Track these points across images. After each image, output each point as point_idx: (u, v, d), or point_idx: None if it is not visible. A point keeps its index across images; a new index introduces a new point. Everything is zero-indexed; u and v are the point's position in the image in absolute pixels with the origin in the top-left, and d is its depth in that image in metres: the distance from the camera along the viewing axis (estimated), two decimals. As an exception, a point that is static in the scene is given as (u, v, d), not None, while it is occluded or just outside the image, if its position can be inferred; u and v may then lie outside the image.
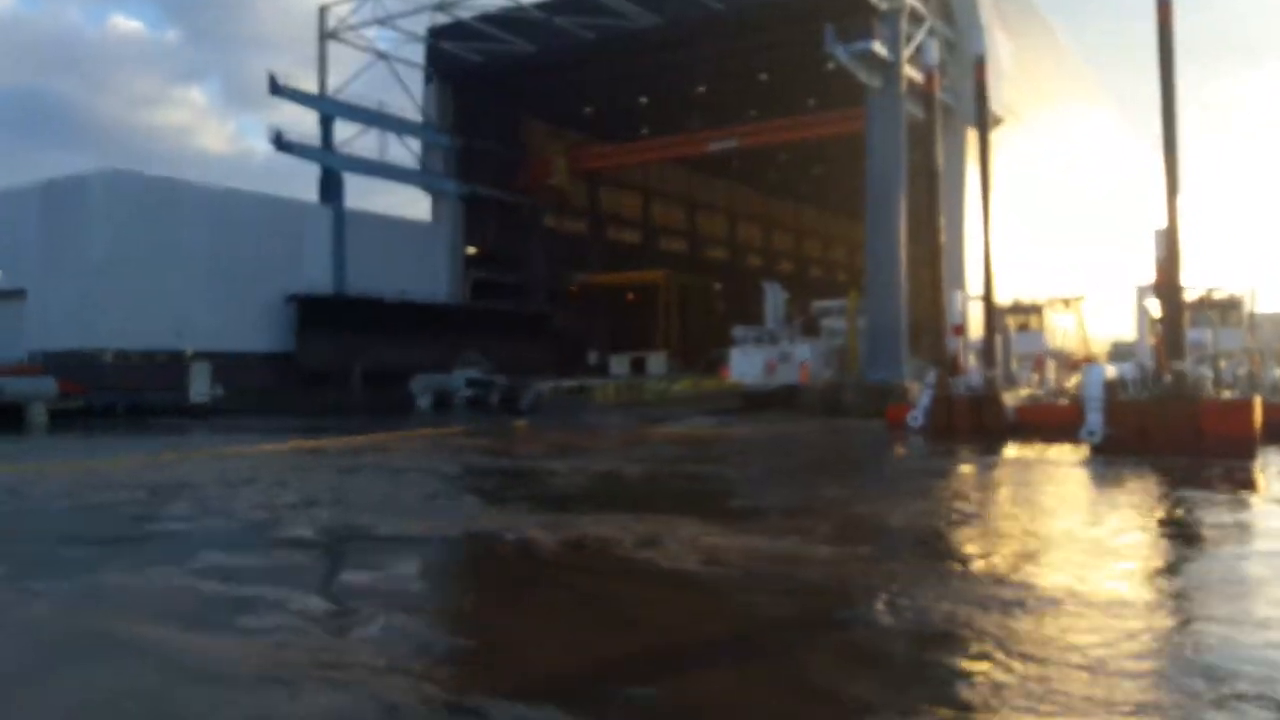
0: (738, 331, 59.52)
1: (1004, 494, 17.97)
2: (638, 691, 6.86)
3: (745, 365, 52.33)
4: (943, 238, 34.26)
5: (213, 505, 16.40)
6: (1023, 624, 8.33)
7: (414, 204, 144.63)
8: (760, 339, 54.56)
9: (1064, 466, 21.38)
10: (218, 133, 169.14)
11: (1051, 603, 9.00)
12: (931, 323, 38.05)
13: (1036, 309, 40.49)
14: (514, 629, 8.91)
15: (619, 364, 68.26)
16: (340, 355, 56.36)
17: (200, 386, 47.61)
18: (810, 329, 56.96)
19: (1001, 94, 47.56)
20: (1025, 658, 7.27)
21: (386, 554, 12.43)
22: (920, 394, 32.42)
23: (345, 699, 6.73)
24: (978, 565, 11.04)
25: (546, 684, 7.10)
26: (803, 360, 50.62)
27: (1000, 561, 11.15)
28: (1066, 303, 41.90)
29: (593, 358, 71.37)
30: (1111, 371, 25.69)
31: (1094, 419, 23.70)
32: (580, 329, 77.81)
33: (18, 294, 53.35)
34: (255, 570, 11.30)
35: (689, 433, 33.87)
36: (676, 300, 76.25)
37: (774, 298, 56.97)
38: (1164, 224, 25.43)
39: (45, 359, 50.43)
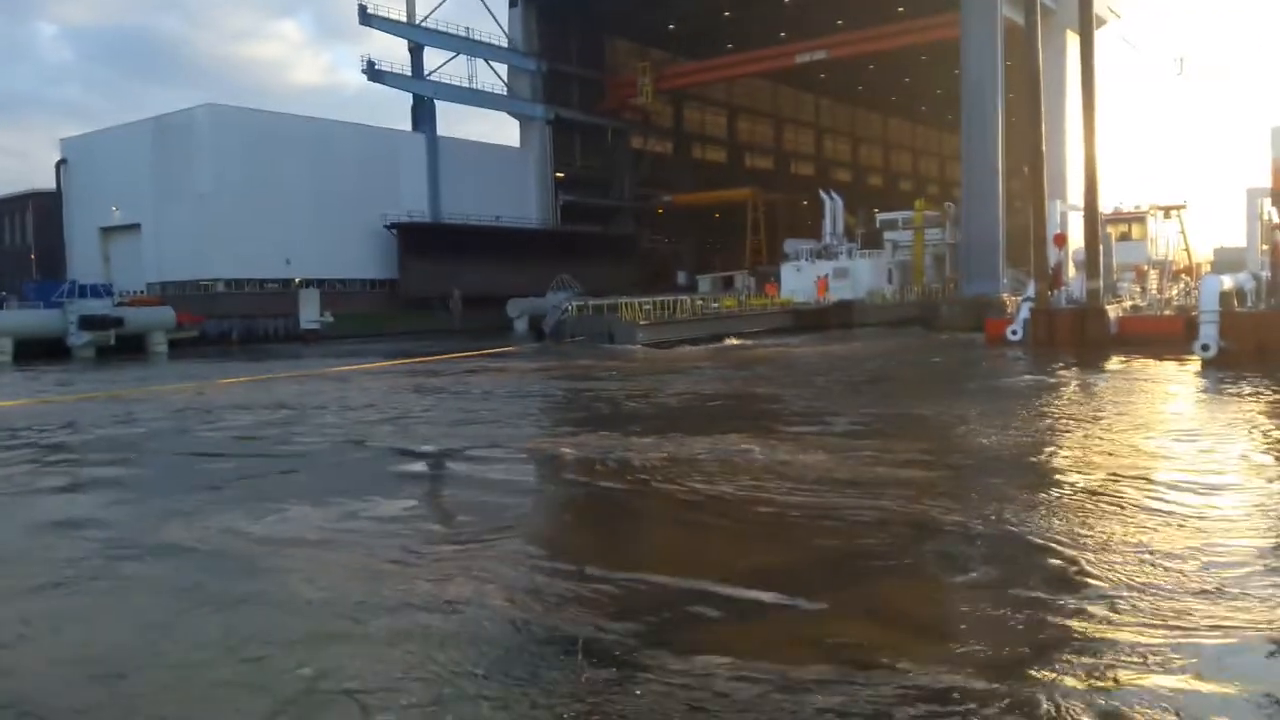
0: (789, 245, 57.26)
1: (1115, 410, 16.75)
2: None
3: (797, 281, 50.25)
4: (1044, 145, 33.39)
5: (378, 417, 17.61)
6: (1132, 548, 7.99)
7: (501, 131, 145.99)
8: (817, 253, 52.80)
9: (1175, 382, 20.47)
10: (311, 65, 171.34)
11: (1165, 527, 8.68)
12: (1026, 234, 37.25)
13: (1138, 218, 39.21)
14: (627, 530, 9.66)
15: (707, 283, 68.37)
16: (440, 281, 58.05)
17: (310, 313, 49.35)
18: (875, 242, 55.53)
19: (1106, -6, 45.70)
20: (1136, 588, 6.80)
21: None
22: (1019, 307, 32.00)
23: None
24: (1092, 485, 10.70)
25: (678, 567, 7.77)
26: (821, 275, 49.28)
27: (1107, 481, 10.68)
28: (1167, 211, 40.54)
29: (681, 278, 71.61)
30: (1228, 283, 24.24)
31: (1208, 332, 22.60)
32: (668, 250, 78.15)
33: (134, 228, 55.90)
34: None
35: (757, 354, 32.99)
36: (764, 218, 75.70)
37: (832, 209, 55.15)
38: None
39: (162, 290, 52.93)
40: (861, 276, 49.99)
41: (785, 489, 10.42)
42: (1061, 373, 23.39)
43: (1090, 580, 7.04)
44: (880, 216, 57.54)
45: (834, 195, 55.74)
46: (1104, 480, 10.47)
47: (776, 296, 49.61)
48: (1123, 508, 9.18)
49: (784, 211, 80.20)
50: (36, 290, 45.94)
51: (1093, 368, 23.90)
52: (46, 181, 61.80)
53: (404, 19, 61.26)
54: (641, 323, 39.14)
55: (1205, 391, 18.97)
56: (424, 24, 62.22)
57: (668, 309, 42.87)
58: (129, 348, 42.00)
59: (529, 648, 6.01)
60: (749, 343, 37.38)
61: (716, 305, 46.51)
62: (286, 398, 22.25)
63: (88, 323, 41.09)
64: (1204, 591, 6.69)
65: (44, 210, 61.32)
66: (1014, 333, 30.51)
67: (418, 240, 58.62)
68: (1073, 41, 42.80)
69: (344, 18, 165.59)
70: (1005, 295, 41.54)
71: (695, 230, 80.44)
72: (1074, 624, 6.17)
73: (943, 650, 5.78)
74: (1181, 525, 8.51)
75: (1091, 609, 6.42)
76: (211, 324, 48.07)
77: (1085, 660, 5.55)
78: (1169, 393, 19.25)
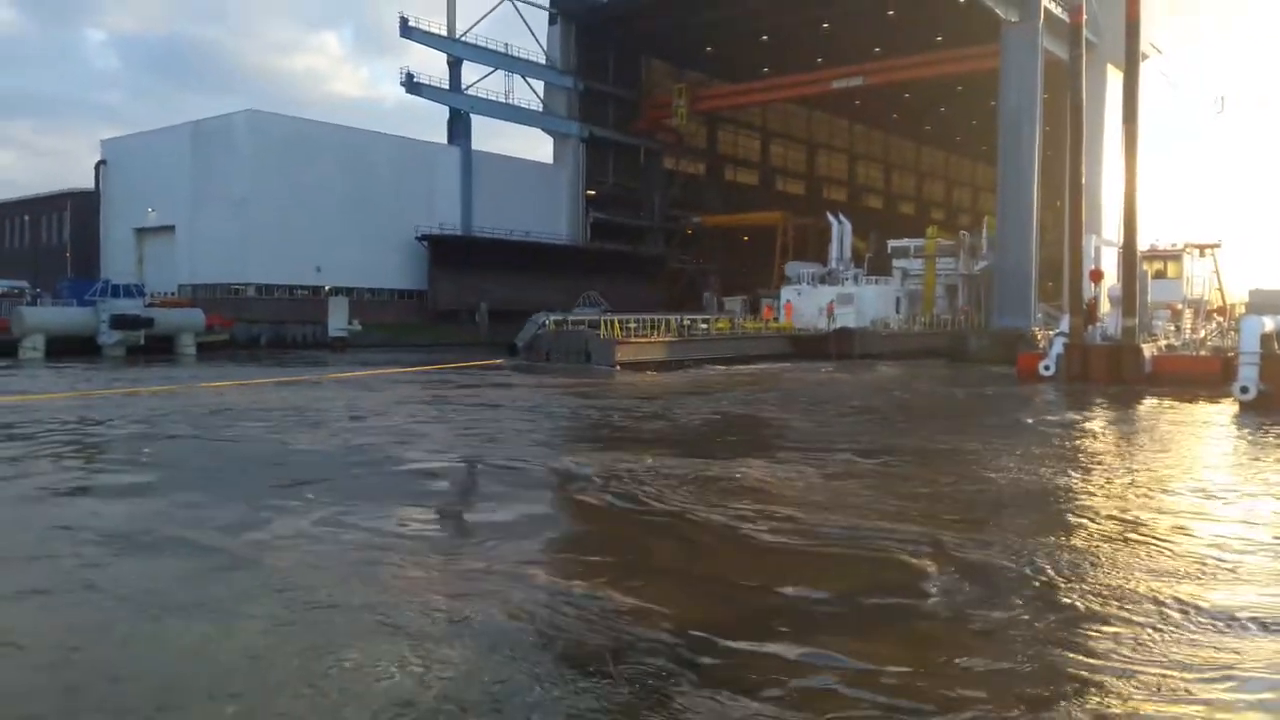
0: (791, 269, 56.18)
1: (1157, 452, 16.40)
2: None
3: (798, 305, 48.87)
4: (1083, 180, 33.10)
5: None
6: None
7: (535, 147, 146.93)
8: (820, 278, 51.53)
9: (1215, 424, 20.06)
10: (351, 78, 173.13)
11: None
12: (1054, 267, 36.83)
13: (1174, 256, 38.75)
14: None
15: (734, 304, 68.17)
16: (469, 293, 58.29)
17: (339, 320, 49.52)
18: (883, 268, 54.41)
19: (1149, 30, 45.30)
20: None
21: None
22: (1052, 342, 31.62)
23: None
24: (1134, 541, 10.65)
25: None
26: (787, 302, 48.22)
27: (1146, 524, 10.70)
28: (1203, 250, 40.09)
29: (708, 298, 71.57)
30: (1269, 325, 23.67)
31: (1248, 374, 22.19)
32: (696, 270, 78.14)
33: (168, 229, 56.43)
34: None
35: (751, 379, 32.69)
36: (793, 242, 75.51)
37: (839, 232, 53.87)
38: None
39: (193, 292, 53.36)
40: (867, 304, 48.63)
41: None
42: (1099, 410, 22.98)
43: (1113, 620, 7.08)
44: (891, 243, 56.60)
45: (842, 218, 54.93)
46: (1142, 523, 10.33)
47: (773, 320, 48.28)
48: (1161, 551, 9.10)
49: (814, 236, 79.91)
50: (70, 288, 46.45)
51: (1130, 406, 23.50)
52: (85, 182, 62.60)
53: (444, 33, 61.77)
54: (620, 341, 36.57)
55: (1247, 435, 18.45)
56: (464, 39, 62.72)
57: (656, 328, 40.35)
58: (158, 348, 42.32)
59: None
60: (752, 369, 35.92)
61: (705, 327, 44.41)
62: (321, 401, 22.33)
63: (119, 322, 41.50)
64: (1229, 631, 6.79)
65: (82, 210, 62.12)
66: (1047, 368, 30.13)
67: (448, 252, 58.89)
68: (1113, 76, 42.57)
69: (383, 32, 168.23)
70: (1036, 330, 41.13)
71: (724, 252, 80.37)
72: (1095, 663, 6.25)
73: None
74: (1218, 573, 8.39)
75: (1113, 648, 6.50)
76: (241, 328, 48.35)
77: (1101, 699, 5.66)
78: (1210, 435, 18.87)
